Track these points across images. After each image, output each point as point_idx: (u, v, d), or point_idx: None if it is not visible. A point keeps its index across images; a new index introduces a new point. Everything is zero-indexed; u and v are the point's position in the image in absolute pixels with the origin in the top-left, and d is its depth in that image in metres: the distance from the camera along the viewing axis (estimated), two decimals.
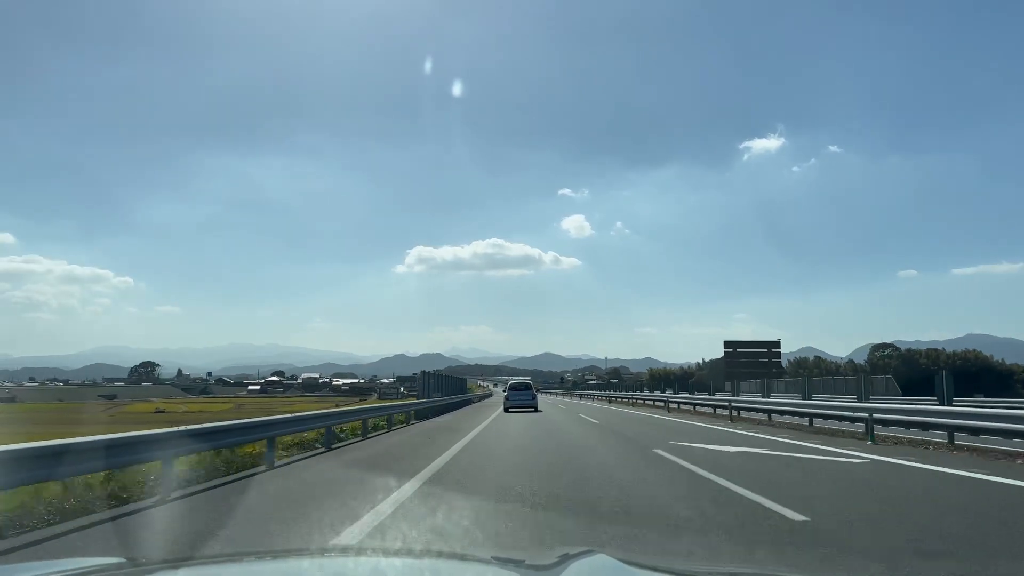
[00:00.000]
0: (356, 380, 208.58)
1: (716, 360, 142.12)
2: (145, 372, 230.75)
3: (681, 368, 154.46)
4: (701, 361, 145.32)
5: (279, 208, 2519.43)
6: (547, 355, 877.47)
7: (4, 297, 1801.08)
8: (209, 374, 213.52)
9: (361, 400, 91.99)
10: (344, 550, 4.36)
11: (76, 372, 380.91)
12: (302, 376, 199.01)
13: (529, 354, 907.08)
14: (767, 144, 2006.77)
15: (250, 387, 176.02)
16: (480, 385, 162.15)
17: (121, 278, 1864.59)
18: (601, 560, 2.10)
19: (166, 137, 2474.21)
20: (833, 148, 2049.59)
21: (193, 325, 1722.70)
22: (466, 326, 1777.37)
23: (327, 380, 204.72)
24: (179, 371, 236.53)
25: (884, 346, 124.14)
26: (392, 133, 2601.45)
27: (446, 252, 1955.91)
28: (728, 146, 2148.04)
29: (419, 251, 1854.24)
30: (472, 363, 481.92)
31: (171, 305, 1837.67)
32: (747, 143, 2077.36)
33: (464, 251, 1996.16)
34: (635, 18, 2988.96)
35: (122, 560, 2.42)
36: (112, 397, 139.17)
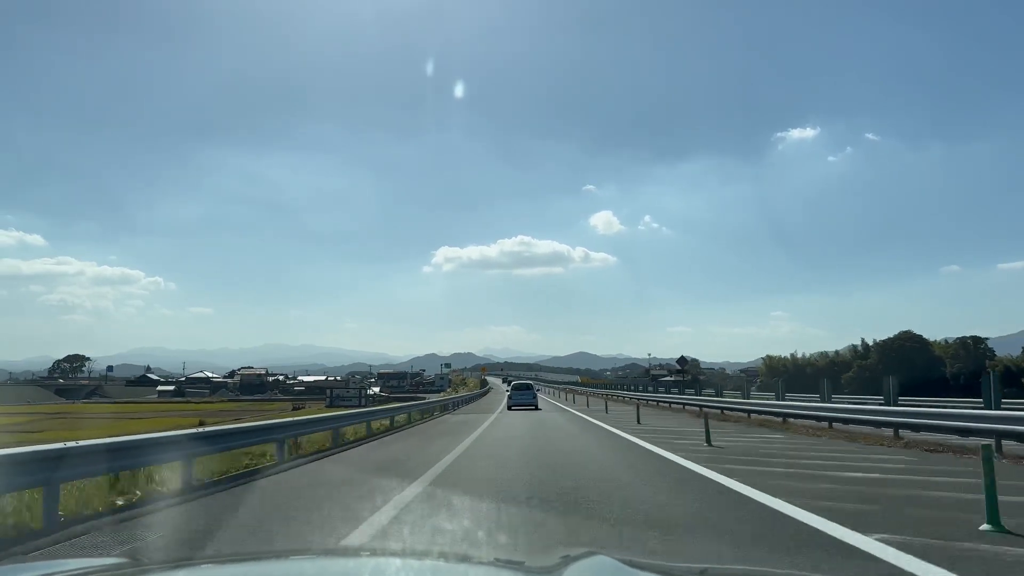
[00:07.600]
0: (322, 378, 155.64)
1: (888, 341, 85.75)
2: (70, 367, 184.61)
3: (824, 356, 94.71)
4: (859, 344, 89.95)
5: (305, 208, 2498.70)
6: (582, 354, 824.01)
7: (40, 300, 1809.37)
8: (110, 368, 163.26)
9: (295, 409, 64.95)
10: (345, 551, 4.33)
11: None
12: (239, 372, 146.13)
13: (563, 353, 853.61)
14: (802, 134, 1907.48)
15: (160, 388, 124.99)
16: (485, 381, 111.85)
17: (152, 279, 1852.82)
18: (602, 561, 2.06)
19: (189, 136, 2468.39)
20: (870, 136, 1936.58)
21: (228, 326, 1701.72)
22: (497, 326, 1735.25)
23: (284, 377, 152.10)
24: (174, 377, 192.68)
25: None
26: (412, 130, 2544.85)
27: (472, 251, 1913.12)
28: (760, 137, 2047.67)
29: (445, 251, 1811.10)
30: (502, 362, 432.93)
31: (204, 306, 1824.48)
32: (780, 133, 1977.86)
33: (491, 250, 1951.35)
34: (659, 4, 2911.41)
35: (124, 560, 2.30)
36: None
